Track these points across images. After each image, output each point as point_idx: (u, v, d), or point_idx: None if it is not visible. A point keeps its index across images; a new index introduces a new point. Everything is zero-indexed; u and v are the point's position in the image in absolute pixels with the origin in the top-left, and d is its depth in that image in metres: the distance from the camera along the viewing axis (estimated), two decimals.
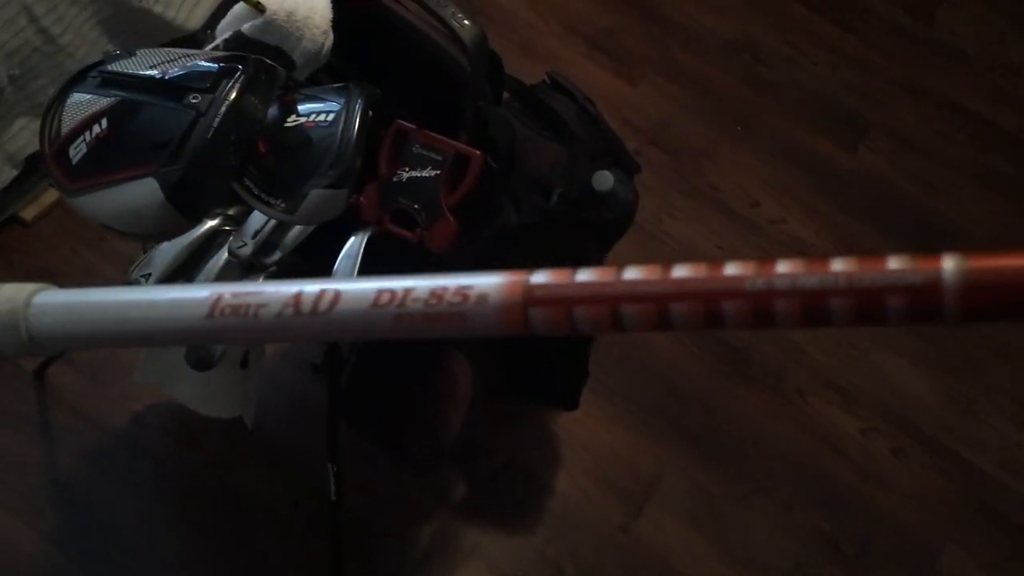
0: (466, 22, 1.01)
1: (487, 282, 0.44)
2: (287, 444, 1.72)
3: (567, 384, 1.54)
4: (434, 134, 1.00)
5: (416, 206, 0.97)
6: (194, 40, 1.97)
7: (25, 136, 1.68)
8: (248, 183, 0.89)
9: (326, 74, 1.05)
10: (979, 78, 2.55)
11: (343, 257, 0.95)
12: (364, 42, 1.06)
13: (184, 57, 0.93)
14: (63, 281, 1.80)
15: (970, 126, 2.47)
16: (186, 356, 0.96)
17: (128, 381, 1.71)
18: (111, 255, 1.84)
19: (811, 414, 1.95)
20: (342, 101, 0.92)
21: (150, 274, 0.90)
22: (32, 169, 1.76)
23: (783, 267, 0.40)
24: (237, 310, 0.45)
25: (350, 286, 0.45)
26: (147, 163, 0.85)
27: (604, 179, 1.47)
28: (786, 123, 2.38)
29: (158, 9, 1.76)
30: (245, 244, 0.96)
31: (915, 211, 2.28)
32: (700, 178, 2.25)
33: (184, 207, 0.85)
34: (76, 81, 0.93)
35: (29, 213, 1.81)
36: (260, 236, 0.98)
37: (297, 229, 1.01)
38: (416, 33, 1.08)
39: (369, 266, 0.94)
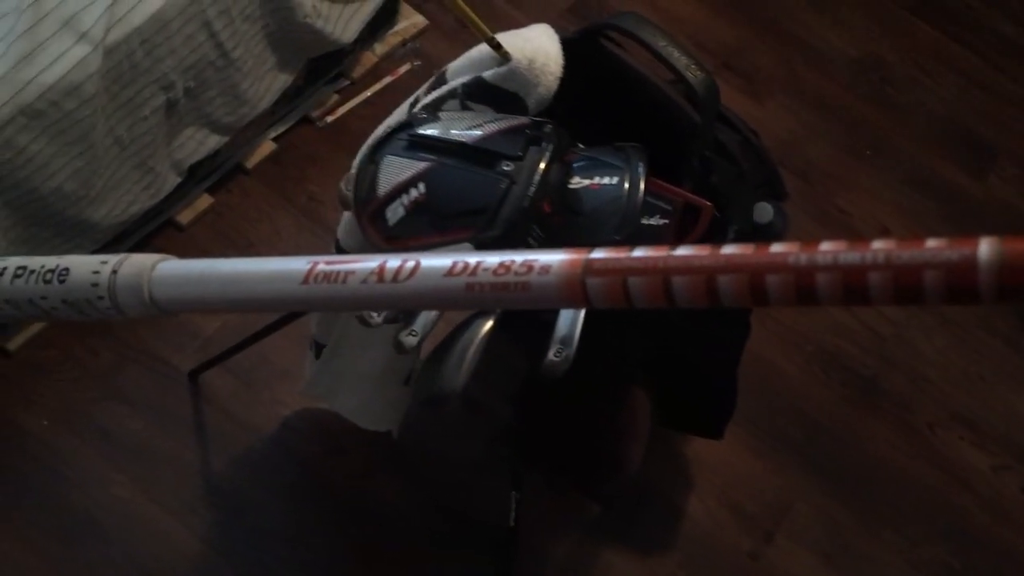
0: (699, 72, 1.02)
1: (551, 256, 0.46)
2: (426, 453, 1.76)
3: (716, 414, 1.55)
4: (663, 183, 1.01)
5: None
6: (340, 53, 2.00)
7: (191, 146, 1.73)
8: (531, 242, 0.91)
9: (547, 115, 1.07)
10: None
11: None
12: (585, 85, 1.07)
13: (489, 122, 0.95)
14: None
15: None
16: (416, 394, 0.98)
17: (279, 387, 1.77)
18: None
19: (940, 448, 1.94)
20: (622, 162, 0.94)
21: (415, 332, 0.92)
22: (191, 176, 1.80)
23: (826, 246, 0.42)
24: (329, 276, 0.50)
25: (429, 258, 0.49)
26: (464, 228, 0.87)
27: (765, 211, 1.47)
28: (914, 147, 2.36)
29: (319, 24, 1.79)
30: None
31: None
32: (828, 201, 2.24)
33: None
34: (385, 142, 0.95)
35: (185, 217, 1.86)
36: None
37: None
38: (641, 79, 1.09)
39: (593, 315, 0.96)
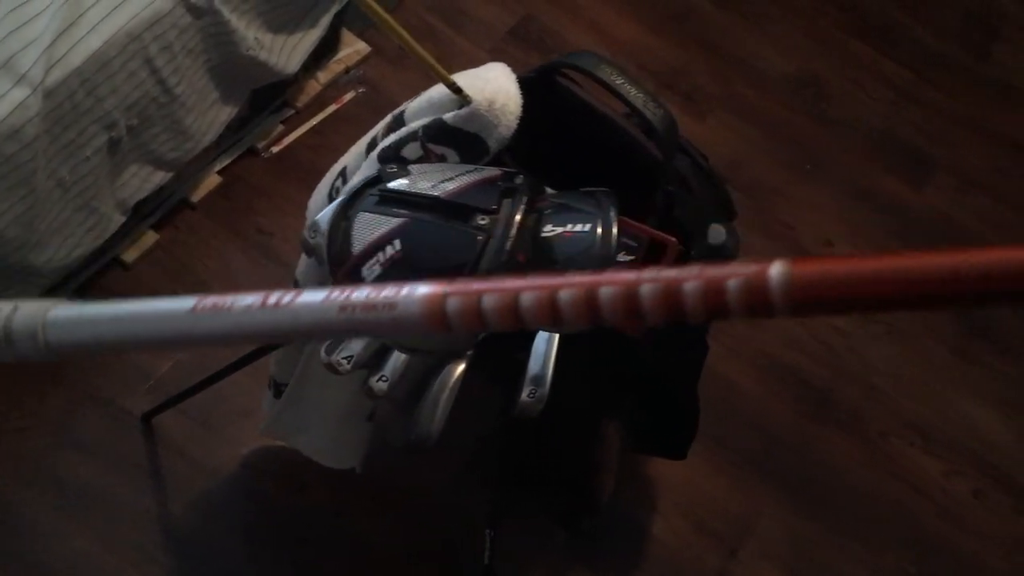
0: (658, 109, 1.03)
1: (421, 285, 0.52)
2: (393, 487, 1.74)
3: (680, 435, 1.56)
4: (627, 219, 1.01)
5: None
6: (284, 83, 1.98)
7: (135, 183, 1.69)
8: None
9: (507, 154, 1.06)
10: None
11: (539, 341, 0.97)
12: (543, 123, 1.07)
13: (461, 175, 0.94)
14: None
15: None
16: (392, 440, 0.96)
17: (235, 426, 1.73)
18: None
19: (894, 456, 1.98)
20: (593, 208, 0.94)
21: (385, 377, 0.91)
22: (135, 214, 1.76)
23: (652, 269, 0.50)
24: (216, 306, 0.54)
25: (311, 291, 0.54)
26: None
27: (718, 233, 1.49)
28: (854, 161, 2.41)
29: (263, 56, 1.77)
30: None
31: None
32: (773, 216, 2.28)
33: None
34: (355, 198, 0.93)
35: (130, 256, 1.82)
36: None
37: None
38: (599, 116, 1.09)
39: (564, 347, 0.96)
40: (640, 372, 1.28)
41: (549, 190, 0.98)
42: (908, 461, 1.98)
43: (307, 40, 1.92)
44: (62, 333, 0.55)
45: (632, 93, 1.05)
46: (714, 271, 0.47)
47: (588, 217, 0.93)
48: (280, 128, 2.06)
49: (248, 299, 0.54)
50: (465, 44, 2.36)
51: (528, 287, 0.50)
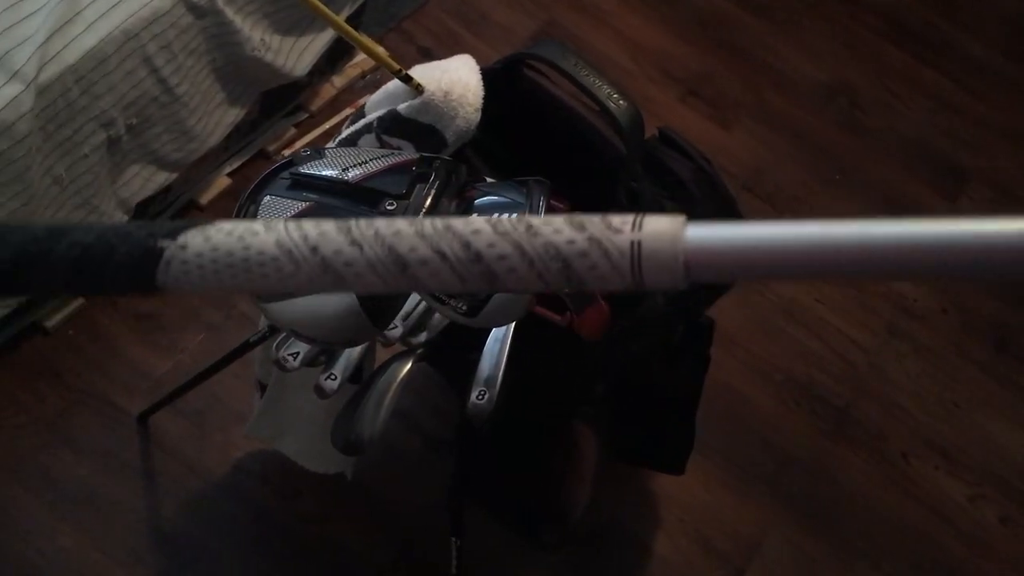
0: (622, 102, 0.99)
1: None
2: (385, 497, 1.71)
3: (675, 449, 1.50)
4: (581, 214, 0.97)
5: (567, 290, 0.94)
6: (297, 86, 1.97)
7: (137, 183, 1.70)
8: None
9: (470, 147, 1.03)
10: None
11: (491, 341, 0.93)
12: (508, 116, 1.04)
13: (375, 159, 0.92)
14: (167, 321, 1.81)
15: None
16: (333, 440, 0.94)
17: (231, 429, 1.72)
18: (216, 299, 1.85)
19: (915, 478, 1.90)
20: (523, 199, 0.90)
21: (334, 375, 0.89)
22: (141, 214, 1.77)
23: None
24: None
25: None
26: None
27: None
28: (885, 171, 2.33)
29: (269, 57, 1.76)
30: (396, 326, 0.95)
31: None
32: None
33: (377, 316, 0.83)
34: (266, 182, 0.91)
35: None
36: (410, 319, 0.97)
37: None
38: (565, 109, 1.06)
39: (515, 350, 0.92)
40: (607, 377, 1.23)
41: (488, 180, 0.95)
42: (930, 484, 1.89)
43: (317, 43, 1.91)
44: (709, 255, 0.46)
45: (596, 85, 1.01)
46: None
47: (517, 207, 0.89)
48: (292, 131, 2.06)
49: None
50: (486, 50, 2.34)
51: None
